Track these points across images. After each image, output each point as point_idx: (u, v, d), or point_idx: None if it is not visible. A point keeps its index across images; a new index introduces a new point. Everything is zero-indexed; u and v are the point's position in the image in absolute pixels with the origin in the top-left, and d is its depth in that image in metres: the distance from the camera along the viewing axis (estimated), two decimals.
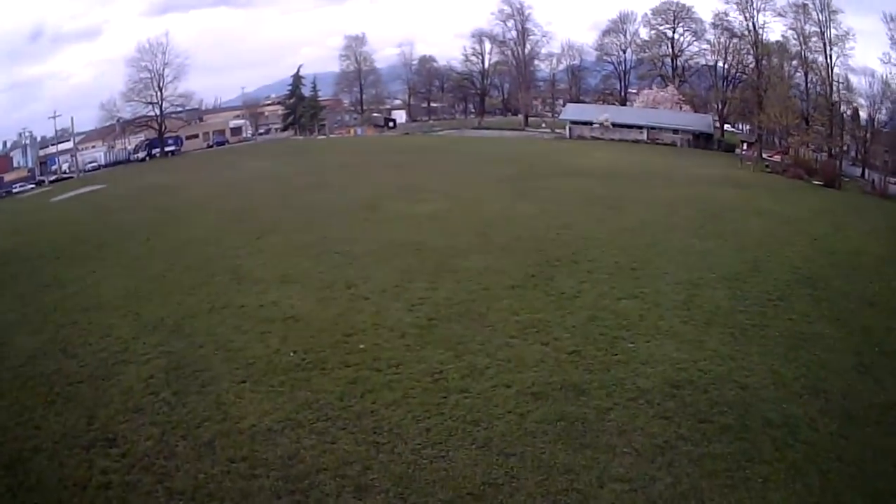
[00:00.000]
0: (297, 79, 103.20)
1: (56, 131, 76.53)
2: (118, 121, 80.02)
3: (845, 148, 63.33)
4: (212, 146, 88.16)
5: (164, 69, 78.63)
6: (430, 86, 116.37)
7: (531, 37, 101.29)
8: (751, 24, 69.41)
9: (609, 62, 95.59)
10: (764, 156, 65.16)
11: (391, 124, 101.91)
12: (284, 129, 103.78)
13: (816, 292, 21.12)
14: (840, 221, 33.29)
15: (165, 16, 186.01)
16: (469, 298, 19.82)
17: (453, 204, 34.72)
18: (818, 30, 65.89)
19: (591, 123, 76.21)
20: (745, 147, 65.14)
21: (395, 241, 26.74)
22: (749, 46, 77.66)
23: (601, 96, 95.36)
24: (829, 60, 65.77)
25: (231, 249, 27.29)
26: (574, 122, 78.07)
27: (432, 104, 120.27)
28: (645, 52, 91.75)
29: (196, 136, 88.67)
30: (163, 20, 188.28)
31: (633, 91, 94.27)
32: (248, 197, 40.37)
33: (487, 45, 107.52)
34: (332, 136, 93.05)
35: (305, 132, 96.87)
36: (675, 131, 73.07)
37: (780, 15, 69.63)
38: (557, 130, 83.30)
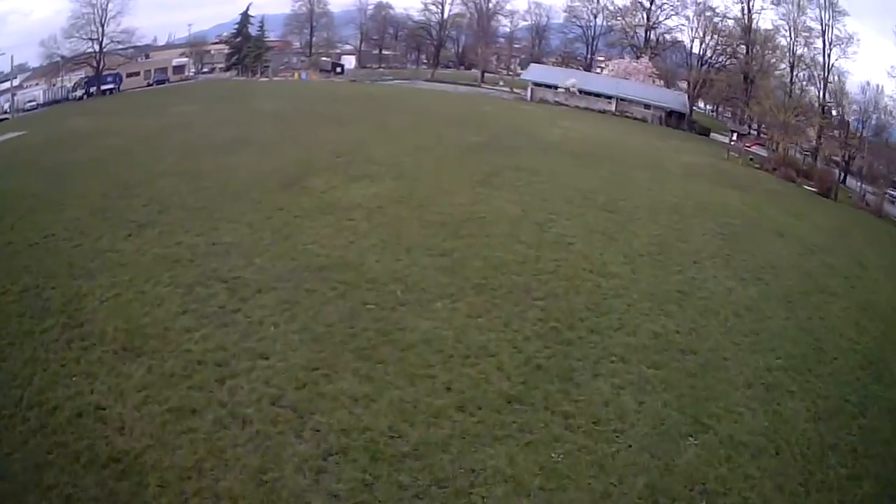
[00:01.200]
0: (246, 17, 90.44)
1: (11, 69, 66.93)
2: (61, 58, 69.73)
3: (827, 153, 57.83)
4: (151, 85, 77.96)
5: (108, 3, 67.83)
6: (384, 33, 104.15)
7: None
8: (745, 6, 61.49)
9: (578, 25, 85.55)
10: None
11: (339, 70, 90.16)
12: (227, 69, 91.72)
13: (890, 393, 14.97)
14: (860, 254, 27.60)
15: None
16: (430, 439, 10.50)
17: (403, 187, 24.80)
18: (819, 26, 59.23)
19: (555, 87, 66.74)
20: (734, 137, 57.30)
21: (313, 262, 17.00)
22: (733, 29, 70.52)
23: (563, 59, 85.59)
24: (826, 60, 59.18)
25: (89, 255, 17.31)
26: (537, 84, 68.18)
27: (384, 52, 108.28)
28: (617, 19, 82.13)
29: (137, 73, 77.79)
30: None
31: (600, 59, 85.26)
32: (153, 157, 28.77)
33: None
34: (275, 78, 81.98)
35: (248, 73, 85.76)
36: (647, 106, 64.73)
37: (774, 4, 62.58)
38: (517, 90, 73.61)
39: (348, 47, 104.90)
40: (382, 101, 53.42)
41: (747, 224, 26.98)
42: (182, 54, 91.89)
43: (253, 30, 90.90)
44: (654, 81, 69.91)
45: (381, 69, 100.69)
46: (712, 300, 17.51)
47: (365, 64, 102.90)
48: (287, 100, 52.06)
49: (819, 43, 59.87)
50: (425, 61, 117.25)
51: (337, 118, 40.75)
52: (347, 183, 24.80)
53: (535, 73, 71.25)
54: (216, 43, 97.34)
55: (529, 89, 68.22)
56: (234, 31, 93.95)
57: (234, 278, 15.67)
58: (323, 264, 16.85)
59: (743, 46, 71.29)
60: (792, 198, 38.47)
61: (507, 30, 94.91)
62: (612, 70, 72.09)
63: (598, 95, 65.51)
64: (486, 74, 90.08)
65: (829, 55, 58.91)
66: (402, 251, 18.27)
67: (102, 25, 68.44)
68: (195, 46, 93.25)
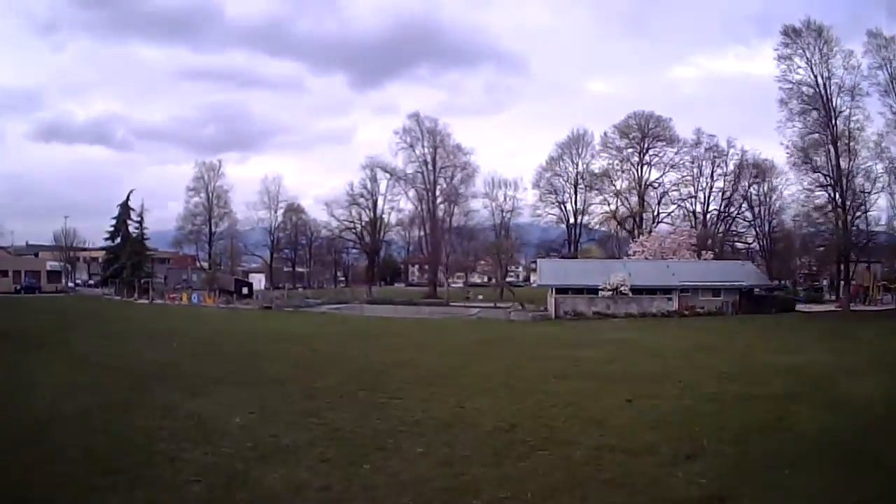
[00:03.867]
0: (125, 210, 63.60)
1: None
2: None
3: None
4: (19, 291, 62.96)
5: None
6: (296, 243, 77.94)
7: (447, 167, 67.81)
8: (822, 85, 42.89)
9: (554, 202, 65.53)
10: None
11: (245, 290, 62.12)
12: (104, 281, 67.30)
13: None
14: None
15: (50, 144, 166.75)
16: None
17: None
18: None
19: (590, 291, 42.70)
20: None
21: None
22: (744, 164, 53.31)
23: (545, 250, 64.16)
24: None
25: None
26: (560, 291, 43.97)
27: (298, 269, 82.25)
28: (595, 188, 63.39)
29: (6, 273, 64.47)
30: (48, 147, 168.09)
31: (585, 242, 65.10)
32: None
33: (383, 183, 72.05)
34: (157, 301, 55.40)
35: (124, 291, 59.96)
36: (717, 292, 42.39)
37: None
38: (523, 307, 48.91)
39: (255, 265, 77.36)
40: (331, 361, 18.25)
41: None
42: (61, 258, 73.51)
43: (134, 228, 64.37)
44: (700, 255, 48.99)
45: (300, 289, 73.00)
46: None
47: (277, 283, 74.61)
48: (134, 351, 22.20)
49: None
50: (342, 278, 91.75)
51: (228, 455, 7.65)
52: None
53: (552, 273, 46.61)
54: (101, 249, 70.96)
55: (552, 300, 43.37)
56: (112, 228, 64.84)
57: None
58: None
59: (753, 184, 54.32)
60: None
61: (464, 222, 71.97)
62: (646, 250, 50.45)
63: (652, 292, 42.33)
64: (438, 286, 66.07)
65: None
66: None
67: None
68: (64, 251, 73.07)
